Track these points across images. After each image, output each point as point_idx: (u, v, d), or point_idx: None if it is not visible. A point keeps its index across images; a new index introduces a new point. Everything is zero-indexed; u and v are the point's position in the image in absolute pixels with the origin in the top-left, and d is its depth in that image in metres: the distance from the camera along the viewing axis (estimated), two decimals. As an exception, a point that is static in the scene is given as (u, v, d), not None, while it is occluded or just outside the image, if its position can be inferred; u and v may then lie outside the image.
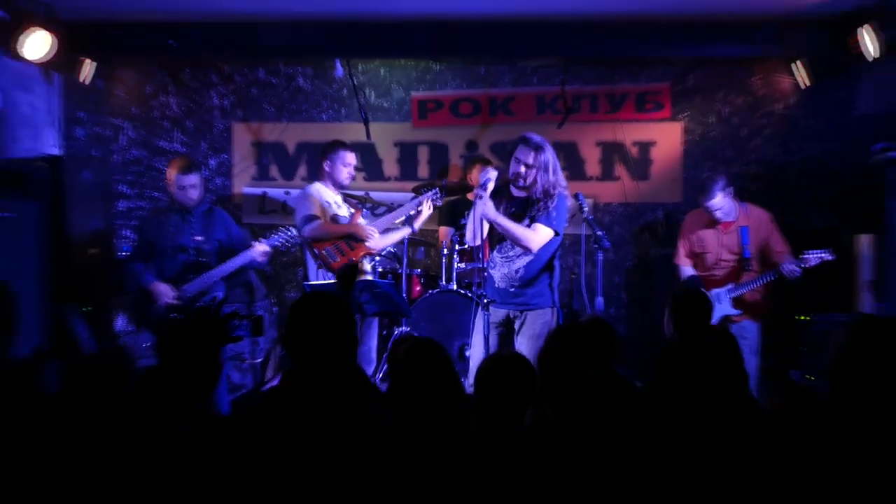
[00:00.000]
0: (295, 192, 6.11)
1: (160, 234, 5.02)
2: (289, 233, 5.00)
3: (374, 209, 5.94)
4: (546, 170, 4.37)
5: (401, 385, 2.66)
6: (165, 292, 4.84)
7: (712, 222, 5.20)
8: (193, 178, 5.05)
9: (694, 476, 2.11)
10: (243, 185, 6.50)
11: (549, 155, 4.39)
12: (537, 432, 2.16)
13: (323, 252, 5.12)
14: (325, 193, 5.29)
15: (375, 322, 5.37)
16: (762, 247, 5.16)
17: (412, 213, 5.41)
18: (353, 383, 2.38)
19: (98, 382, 2.48)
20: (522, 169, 4.37)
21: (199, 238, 5.01)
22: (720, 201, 5.11)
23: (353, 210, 5.38)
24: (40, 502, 2.09)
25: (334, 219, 5.23)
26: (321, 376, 2.28)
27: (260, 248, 4.91)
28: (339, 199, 5.36)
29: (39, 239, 4.80)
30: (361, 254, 5.14)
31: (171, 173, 5.06)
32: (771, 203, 5.40)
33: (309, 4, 5.29)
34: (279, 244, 5.01)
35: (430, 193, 5.39)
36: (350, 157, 5.35)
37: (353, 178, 5.49)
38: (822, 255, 4.97)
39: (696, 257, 5.32)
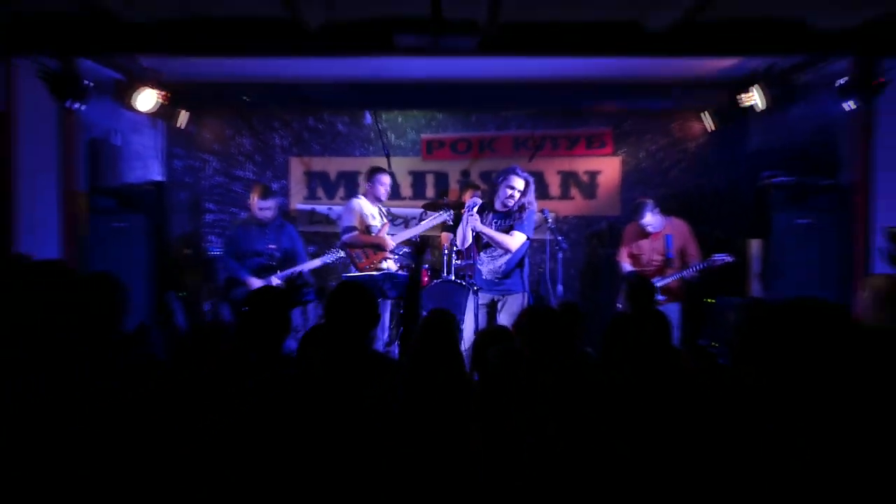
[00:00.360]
0: (336, 208, 6.09)
1: (242, 241, 5.00)
2: (337, 253, 5.06)
3: (394, 221, 5.94)
4: (528, 195, 4.42)
5: (420, 340, 2.47)
6: (258, 285, 4.79)
7: (645, 233, 5.19)
8: (270, 203, 5.03)
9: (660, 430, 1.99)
10: (297, 203, 6.46)
11: (531, 186, 4.43)
12: (535, 431, 2.00)
13: (353, 254, 5.12)
14: (365, 206, 5.25)
15: (390, 303, 5.32)
16: (681, 250, 5.14)
17: (429, 226, 5.42)
18: (374, 362, 2.32)
19: (199, 350, 2.47)
20: (517, 194, 4.40)
21: (272, 246, 4.99)
22: (650, 219, 5.12)
23: (384, 221, 5.34)
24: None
25: (368, 228, 5.20)
26: (349, 346, 2.24)
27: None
28: (375, 210, 5.30)
29: (147, 243, 4.82)
30: (381, 257, 5.12)
31: (254, 197, 5.05)
32: (686, 217, 5.37)
33: (346, 70, 5.27)
34: (330, 261, 5.08)
35: (444, 214, 5.36)
36: (386, 178, 5.36)
37: (388, 194, 5.45)
38: (725, 258, 4.97)
39: (634, 257, 5.30)
